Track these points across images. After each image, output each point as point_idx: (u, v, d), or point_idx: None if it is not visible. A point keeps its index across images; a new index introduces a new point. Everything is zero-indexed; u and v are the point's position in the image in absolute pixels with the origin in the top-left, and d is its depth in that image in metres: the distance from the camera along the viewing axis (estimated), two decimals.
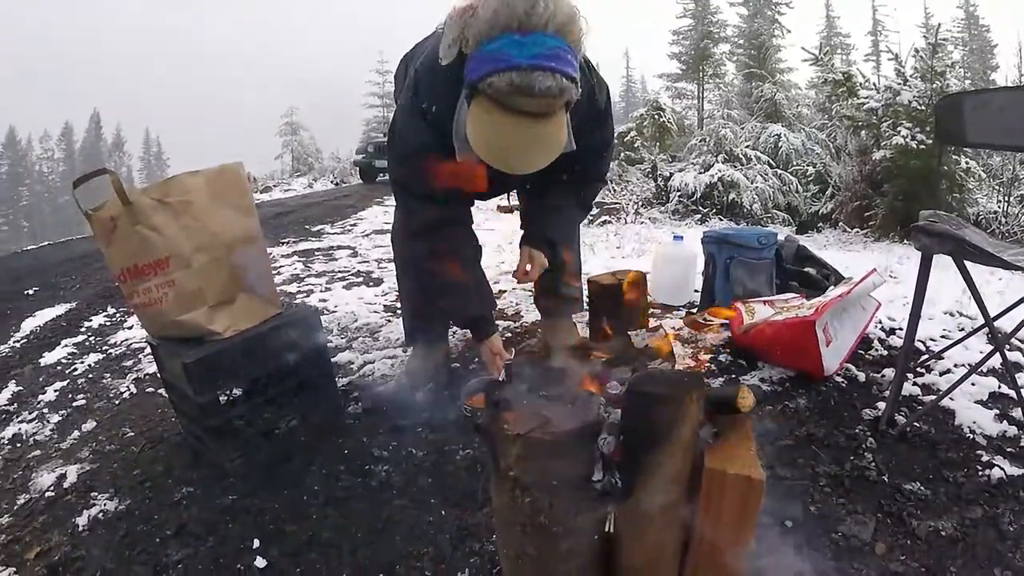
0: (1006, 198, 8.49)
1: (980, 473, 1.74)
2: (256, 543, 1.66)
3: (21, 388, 3.00)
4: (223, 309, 1.95)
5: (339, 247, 6.05)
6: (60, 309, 4.30)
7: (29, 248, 8.06)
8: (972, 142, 2.30)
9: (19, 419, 2.66)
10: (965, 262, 1.82)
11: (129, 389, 2.81)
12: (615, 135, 2.37)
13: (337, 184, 21.42)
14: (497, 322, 3.07)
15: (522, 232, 2.26)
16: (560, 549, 0.98)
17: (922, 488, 1.66)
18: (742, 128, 11.82)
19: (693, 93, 30.12)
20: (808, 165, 10.47)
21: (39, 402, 2.81)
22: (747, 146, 10.67)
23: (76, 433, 2.46)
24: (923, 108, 8.08)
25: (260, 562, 1.59)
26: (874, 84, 9.43)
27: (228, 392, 1.96)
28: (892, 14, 44.84)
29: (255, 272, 2.02)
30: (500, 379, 1.32)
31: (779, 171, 10.12)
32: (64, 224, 59.11)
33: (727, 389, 1.02)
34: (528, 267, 2.19)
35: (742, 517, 0.95)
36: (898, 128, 8.07)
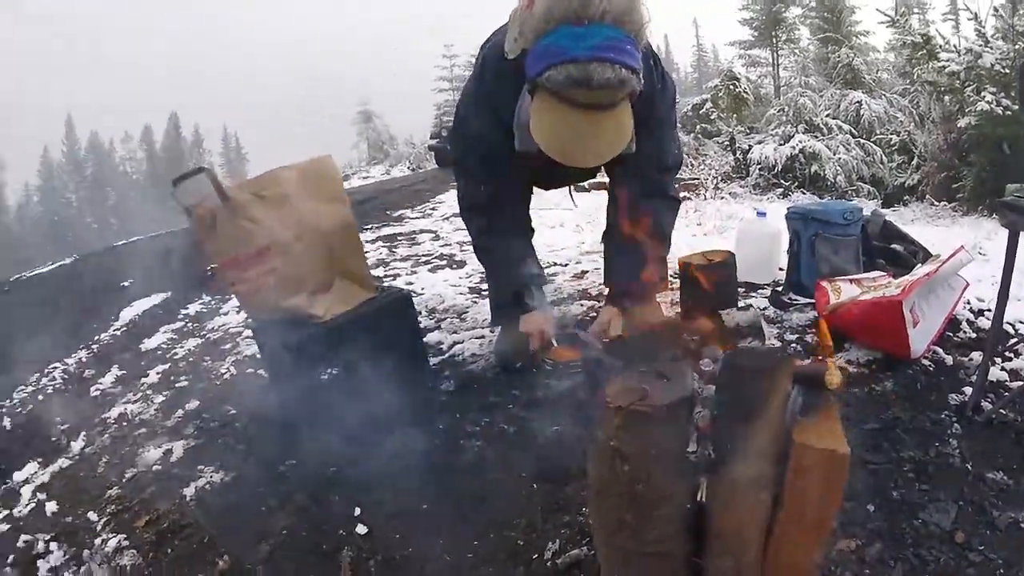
0: None
1: None
2: (357, 511, 1.76)
3: (124, 372, 3.17)
4: (322, 294, 2.07)
5: (421, 231, 6.13)
6: (156, 299, 4.50)
7: (121, 243, 8.35)
8: None
9: (124, 400, 2.83)
10: None
11: (229, 370, 2.96)
12: (677, 121, 2.41)
13: (414, 170, 21.69)
14: (581, 301, 3.16)
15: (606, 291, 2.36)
16: (655, 516, 1.05)
17: (1005, 478, 1.66)
18: (821, 96, 11.46)
19: (767, 60, 29.24)
20: (892, 134, 10.09)
21: (142, 384, 2.97)
22: (827, 115, 10.38)
23: (180, 412, 2.61)
24: (1007, 71, 7.68)
25: (361, 528, 1.70)
26: (954, 46, 8.99)
27: (328, 371, 2.08)
28: None
29: (350, 258, 2.14)
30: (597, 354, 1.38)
31: (862, 140, 9.81)
32: (149, 221, 62.19)
33: (816, 366, 1.05)
34: (608, 325, 2.23)
35: (827, 490, 0.99)
36: (982, 93, 7.70)
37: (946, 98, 8.70)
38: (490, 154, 2.11)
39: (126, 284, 5.05)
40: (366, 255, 2.38)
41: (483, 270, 2.89)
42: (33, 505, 2.14)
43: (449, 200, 8.67)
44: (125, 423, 2.60)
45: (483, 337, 2.88)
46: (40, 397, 3.07)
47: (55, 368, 3.36)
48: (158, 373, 3.07)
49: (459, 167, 2.27)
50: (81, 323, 4.14)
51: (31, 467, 2.39)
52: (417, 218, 7.25)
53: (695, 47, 65.93)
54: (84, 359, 3.47)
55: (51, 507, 2.10)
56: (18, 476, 2.35)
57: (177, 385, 2.90)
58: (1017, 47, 7.89)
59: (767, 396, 0.99)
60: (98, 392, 2.99)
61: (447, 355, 2.74)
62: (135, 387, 2.95)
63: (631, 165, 2.13)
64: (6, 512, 2.13)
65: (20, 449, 2.56)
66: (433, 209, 7.95)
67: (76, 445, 2.51)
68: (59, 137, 64.44)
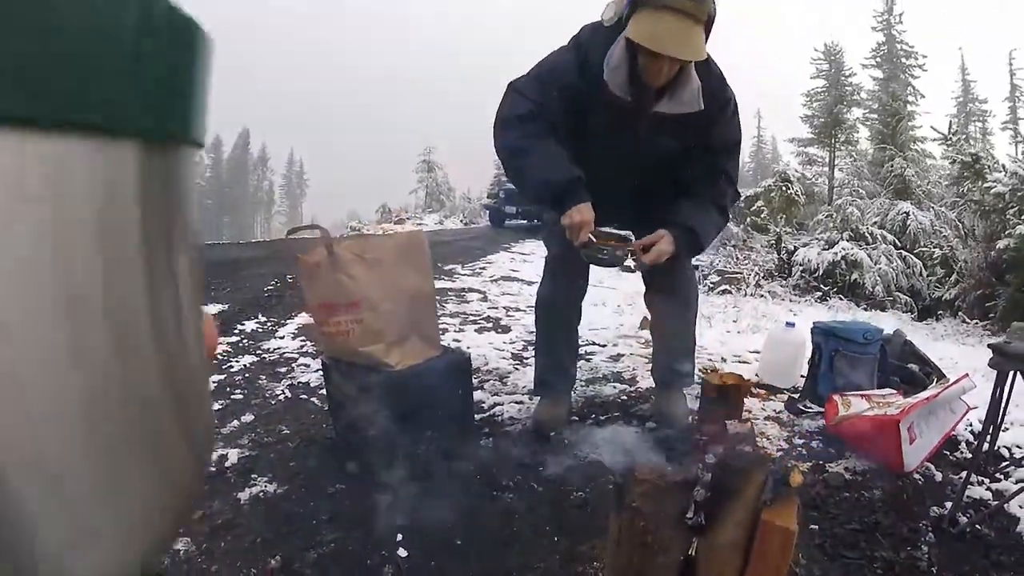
0: None
1: None
2: (399, 536, 2.00)
3: None
4: (397, 346, 2.41)
5: (470, 289, 6.40)
6: (213, 309, 4.72)
7: None
8: None
9: None
10: None
11: (284, 392, 3.19)
12: (741, 138, 2.63)
13: (466, 224, 22.19)
14: (612, 383, 3.42)
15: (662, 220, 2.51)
16: (657, 562, 1.40)
17: None
18: (872, 201, 11.71)
19: (823, 160, 29.46)
20: (935, 247, 10.30)
21: None
22: (874, 224, 10.63)
23: (235, 422, 2.81)
24: None
25: (402, 552, 1.94)
26: (1003, 166, 9.22)
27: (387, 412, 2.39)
28: None
29: (425, 320, 2.49)
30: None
31: (904, 252, 10.03)
32: (205, 227, 63.66)
33: (785, 468, 1.44)
34: (654, 244, 2.42)
35: (781, 555, 1.34)
36: (1022, 217, 7.90)
37: (991, 217, 8.89)
38: (560, 94, 2.40)
39: None
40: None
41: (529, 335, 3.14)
42: None
43: (498, 262, 8.97)
44: None
45: (522, 402, 3.13)
46: None
47: None
48: (214, 383, 3.21)
49: (516, 92, 2.44)
50: None
51: None
52: (467, 275, 7.51)
53: (755, 138, 66.64)
54: None
55: None
56: None
57: (233, 397, 3.08)
58: None
59: (746, 486, 1.36)
60: None
61: (487, 414, 3.00)
62: None
63: (697, 171, 2.53)
64: None
65: None
66: (483, 269, 8.24)
67: None
68: None
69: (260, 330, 4.30)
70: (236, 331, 4.23)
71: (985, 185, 9.07)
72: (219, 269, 6.48)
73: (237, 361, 3.60)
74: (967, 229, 10.06)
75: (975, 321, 8.16)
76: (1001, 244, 8.25)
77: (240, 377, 3.36)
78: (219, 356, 3.63)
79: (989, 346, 2.19)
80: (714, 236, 2.62)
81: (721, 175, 2.55)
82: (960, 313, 8.69)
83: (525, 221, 16.93)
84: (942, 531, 2.14)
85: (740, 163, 2.70)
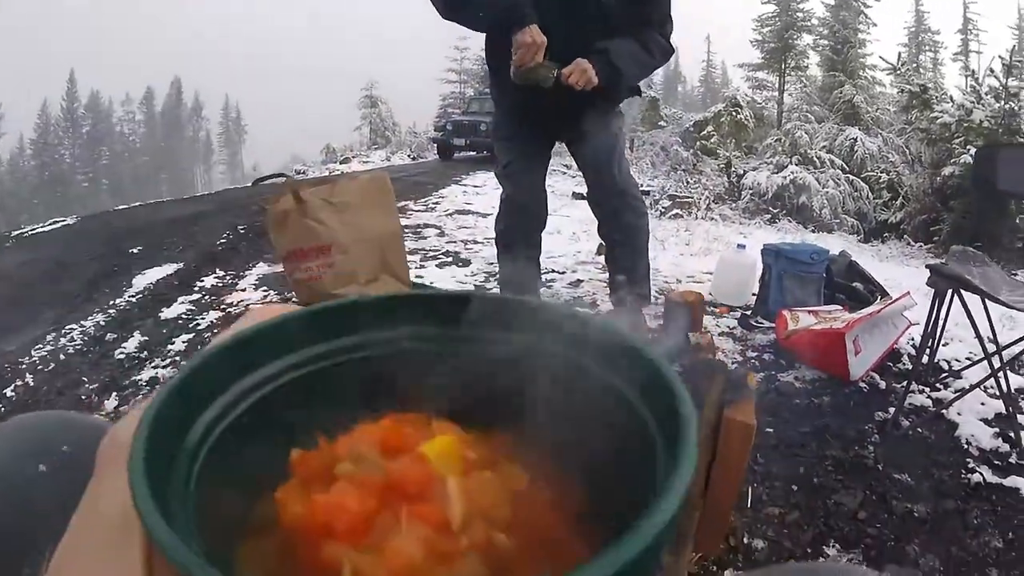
0: None
1: (963, 476, 2.12)
2: None
3: (147, 338, 3.27)
4: (370, 286, 2.47)
5: (425, 225, 6.36)
6: (169, 268, 4.60)
7: (121, 208, 8.39)
8: (1002, 189, 2.68)
9: (152, 365, 2.96)
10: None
11: None
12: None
13: (414, 159, 21.74)
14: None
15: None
16: None
17: (908, 479, 2.07)
18: (821, 126, 11.91)
19: (774, 84, 29.52)
20: (882, 172, 10.55)
21: (169, 351, 3.10)
22: (822, 148, 10.82)
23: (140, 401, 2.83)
24: (995, 128, 8.15)
25: None
26: (951, 97, 9.46)
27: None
28: (983, 13, 42.71)
29: (394, 259, 2.55)
30: None
31: (852, 176, 10.25)
32: (142, 183, 61.53)
33: (741, 371, 1.59)
34: (576, 71, 2.44)
35: (742, 448, 1.45)
36: (968, 147, 8.17)
37: (937, 145, 9.15)
38: None
39: (135, 251, 5.15)
40: None
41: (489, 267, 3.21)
42: None
43: (450, 196, 8.85)
44: (157, 385, 2.70)
45: None
46: (61, 357, 3.12)
47: (72, 329, 3.43)
48: (184, 342, 3.19)
49: None
50: (92, 286, 4.24)
51: None
52: (421, 211, 7.43)
53: (704, 63, 66.49)
54: (103, 323, 3.54)
55: None
56: None
57: None
58: (1007, 107, 8.33)
59: (710, 388, 1.48)
60: (123, 356, 3.08)
61: None
62: (162, 353, 3.08)
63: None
64: None
65: (48, 405, 2.64)
66: (436, 204, 8.15)
67: (109, 403, 2.64)
68: (60, 92, 63.85)
69: (220, 284, 4.22)
70: (196, 288, 4.15)
71: (932, 115, 9.28)
72: (168, 227, 6.28)
73: (202, 318, 3.56)
74: (913, 156, 10.29)
75: (919, 244, 8.45)
76: (947, 171, 8.52)
77: (208, 333, 3.33)
78: (183, 316, 3.60)
79: (927, 267, 2.35)
80: (636, 72, 2.68)
81: (648, 23, 2.64)
82: (905, 236, 8.98)
83: (474, 153, 16.81)
84: (886, 433, 2.32)
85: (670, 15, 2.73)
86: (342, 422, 0.30)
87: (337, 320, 0.33)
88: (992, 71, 8.82)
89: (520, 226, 2.88)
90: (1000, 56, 8.89)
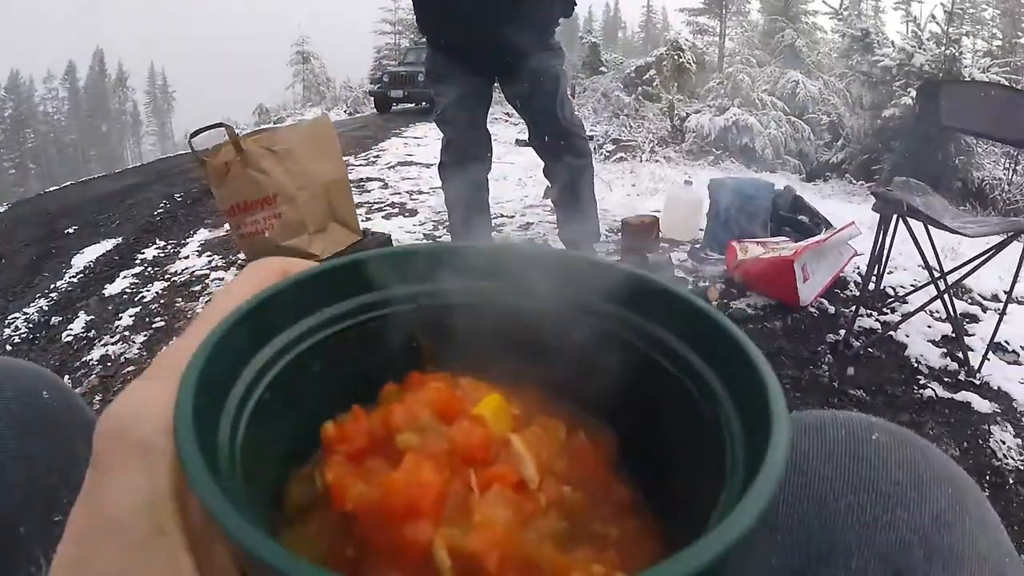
0: (1012, 166, 8.77)
1: (915, 391, 2.19)
2: None
3: (92, 317, 3.18)
4: (319, 236, 2.40)
5: (368, 179, 6.24)
6: (107, 244, 4.43)
7: (52, 189, 7.96)
8: (945, 124, 2.72)
9: (101, 343, 2.88)
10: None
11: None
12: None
13: (351, 114, 21.27)
14: None
15: None
16: None
17: (863, 395, 2.13)
18: (762, 70, 11.97)
19: (715, 29, 29.63)
20: (823, 114, 10.69)
21: (117, 327, 3.00)
22: (764, 91, 10.89)
23: (164, 349, 2.73)
24: (936, 72, 8.31)
25: None
26: (892, 42, 9.60)
27: None
28: None
29: (342, 206, 2.48)
30: None
31: (793, 118, 10.36)
32: (71, 164, 57.94)
33: (703, 287, 1.52)
34: None
35: None
36: (908, 90, 8.32)
37: (878, 88, 9.29)
38: None
39: (70, 231, 4.97)
40: None
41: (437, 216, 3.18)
42: None
43: (391, 148, 8.69)
44: (110, 363, 2.67)
45: None
46: (8, 348, 3.03)
47: (16, 318, 3.32)
48: (131, 316, 3.11)
49: None
50: (31, 272, 4.07)
51: None
52: (362, 165, 7.29)
53: (644, 7, 66.16)
54: (45, 307, 3.42)
55: None
56: None
57: (155, 326, 2.97)
58: (948, 52, 8.48)
59: None
60: (71, 338, 2.99)
61: None
62: (110, 330, 2.99)
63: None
64: None
65: None
66: (377, 157, 8.00)
67: None
68: None
69: (162, 255, 4.08)
70: (137, 261, 4.01)
71: (874, 59, 9.44)
72: (101, 203, 6.01)
73: (147, 290, 3.45)
74: (854, 99, 10.46)
75: (861, 182, 8.62)
76: (887, 113, 8.71)
77: (156, 305, 3.24)
78: (127, 290, 3.49)
79: (872, 193, 2.38)
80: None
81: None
82: (847, 176, 9.16)
83: (413, 104, 16.34)
84: (839, 353, 2.37)
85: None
86: (364, 386, 0.29)
87: (352, 278, 0.30)
88: (934, 17, 8.96)
89: (464, 170, 2.81)
90: (942, 3, 9.03)
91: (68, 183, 8.71)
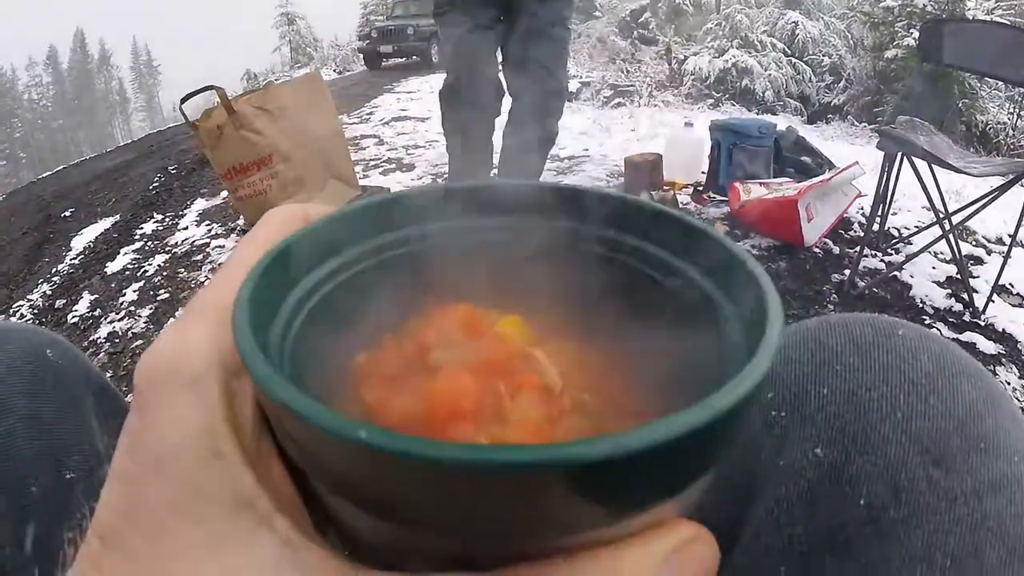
0: (1017, 111, 8.64)
1: None
2: None
3: (97, 296, 3.14)
4: (318, 193, 2.36)
5: (363, 136, 6.10)
6: (105, 223, 4.36)
7: (45, 175, 7.70)
8: (947, 63, 2.66)
9: (108, 320, 2.84)
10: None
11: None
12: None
13: (340, 73, 20.83)
14: None
15: None
16: None
17: None
18: (761, 10, 11.76)
19: None
20: (824, 56, 10.51)
21: (122, 303, 2.97)
22: (763, 32, 10.70)
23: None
24: (939, 12, 8.15)
25: None
26: None
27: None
28: None
29: (339, 161, 2.44)
30: None
31: (794, 60, 10.20)
32: (61, 149, 57.53)
33: (707, 221, 1.50)
34: None
35: None
36: (911, 31, 8.17)
37: (880, 28, 9.13)
38: None
39: (67, 215, 4.89)
40: None
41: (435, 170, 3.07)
42: None
43: (384, 104, 8.53)
44: (117, 339, 2.65)
45: None
46: None
47: (20, 306, 3.28)
48: (135, 291, 3.08)
49: None
50: (31, 259, 3.99)
51: None
52: (356, 123, 7.13)
53: None
54: (49, 292, 3.38)
55: None
56: None
57: (159, 298, 2.94)
58: None
59: None
60: (76, 318, 2.96)
61: None
62: (115, 307, 2.96)
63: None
64: None
65: None
66: (370, 114, 7.81)
67: None
68: None
69: (160, 228, 4.01)
70: (137, 236, 3.93)
71: None
72: (95, 183, 5.90)
73: (149, 264, 3.40)
74: (856, 39, 10.28)
75: (863, 124, 8.51)
76: (889, 54, 8.56)
77: (159, 277, 3.20)
78: (129, 266, 3.44)
79: (877, 131, 2.32)
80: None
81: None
82: (849, 117, 9.06)
83: (403, 59, 16.06)
84: (844, 293, 2.35)
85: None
86: (387, 320, 0.30)
87: (380, 216, 0.31)
88: None
89: (471, 115, 2.58)
90: None
91: (61, 167, 8.49)
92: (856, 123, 8.72)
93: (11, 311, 3.23)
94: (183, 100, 2.50)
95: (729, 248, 0.25)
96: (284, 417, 0.19)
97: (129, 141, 11.19)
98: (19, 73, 63.17)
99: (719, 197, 3.28)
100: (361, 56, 18.91)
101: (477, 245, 0.32)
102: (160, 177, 5.55)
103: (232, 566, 0.20)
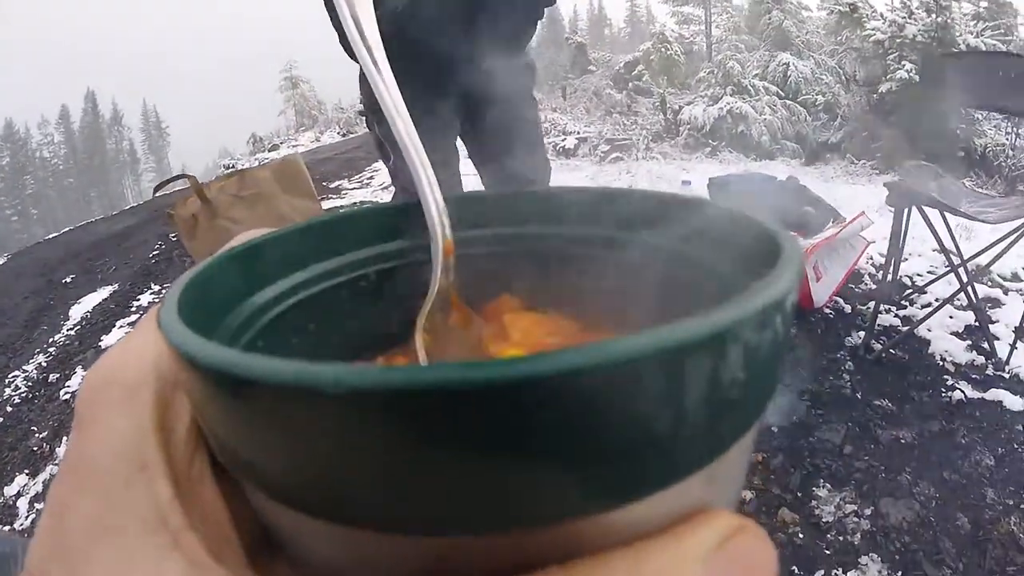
0: (1014, 131, 8.61)
1: (943, 394, 2.07)
2: None
3: None
4: None
5: (361, 202, 6.05)
6: (104, 292, 4.40)
7: (51, 236, 8.00)
8: (957, 102, 2.60)
9: None
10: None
11: None
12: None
13: (344, 135, 21.01)
14: None
15: None
16: None
17: (888, 404, 2.01)
18: (752, 54, 11.86)
19: (700, 18, 29.49)
20: (818, 94, 10.55)
21: None
22: (755, 76, 10.77)
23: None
24: (929, 40, 8.18)
25: None
26: (881, 15, 9.48)
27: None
28: None
29: None
30: None
31: (788, 101, 10.22)
32: (72, 206, 58.62)
33: None
34: None
35: None
36: (903, 62, 8.19)
37: (871, 63, 9.17)
38: None
39: (68, 280, 4.94)
40: None
41: None
42: (33, 516, 2.18)
43: (384, 168, 8.66)
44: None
45: None
46: (8, 408, 2.98)
47: (15, 377, 3.28)
48: None
49: None
50: (31, 326, 4.06)
51: (20, 479, 2.40)
52: (355, 188, 7.19)
53: (628, 2, 66.14)
54: (44, 364, 3.39)
55: None
56: (9, 491, 2.35)
57: None
58: (939, 20, 8.35)
59: None
60: (68, 395, 2.95)
61: None
62: None
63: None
64: (8, 528, 2.14)
65: (3, 463, 2.55)
66: (370, 178, 7.85)
67: (61, 450, 2.50)
68: None
69: (156, 300, 3.98)
70: (133, 309, 3.96)
71: (864, 33, 9.32)
72: (99, 248, 6.02)
73: None
74: (848, 75, 10.34)
75: (862, 161, 8.48)
76: (884, 88, 8.56)
77: None
78: None
79: (885, 185, 2.26)
80: None
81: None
82: (848, 155, 9.02)
83: None
84: (859, 358, 2.25)
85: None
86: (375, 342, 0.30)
87: (350, 232, 0.30)
88: None
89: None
90: None
91: (67, 228, 8.75)
92: (855, 160, 8.69)
93: (6, 382, 3.22)
94: (156, 188, 2.49)
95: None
96: (179, 370, 0.17)
97: (138, 203, 11.34)
98: (32, 132, 64.34)
99: None
100: (363, 119, 18.98)
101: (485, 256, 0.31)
102: (160, 244, 5.60)
103: None
